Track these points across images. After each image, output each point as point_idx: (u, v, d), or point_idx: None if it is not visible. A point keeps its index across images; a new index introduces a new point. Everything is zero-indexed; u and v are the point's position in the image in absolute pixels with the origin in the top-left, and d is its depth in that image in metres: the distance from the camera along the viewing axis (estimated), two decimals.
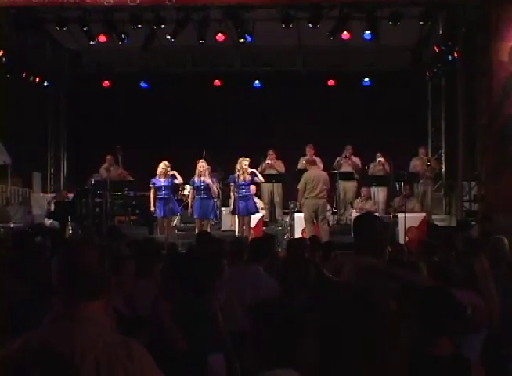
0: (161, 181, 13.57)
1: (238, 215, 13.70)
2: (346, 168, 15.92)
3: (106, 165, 16.02)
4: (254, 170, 13.84)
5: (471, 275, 5.12)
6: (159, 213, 13.59)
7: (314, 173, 13.81)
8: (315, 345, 2.01)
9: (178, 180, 13.97)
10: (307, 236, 13.00)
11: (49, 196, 16.99)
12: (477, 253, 5.49)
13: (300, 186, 13.73)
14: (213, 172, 14.52)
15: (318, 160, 15.15)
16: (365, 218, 4.98)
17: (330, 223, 15.01)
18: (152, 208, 13.64)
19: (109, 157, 16.08)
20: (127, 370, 2.44)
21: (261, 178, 13.94)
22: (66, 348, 2.44)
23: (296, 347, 2.55)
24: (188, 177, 14.02)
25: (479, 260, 5.25)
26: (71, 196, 15.59)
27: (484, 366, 4.19)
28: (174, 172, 13.78)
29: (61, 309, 2.58)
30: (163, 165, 13.63)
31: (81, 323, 2.51)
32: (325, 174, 14.16)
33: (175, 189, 14.58)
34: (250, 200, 13.62)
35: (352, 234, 4.79)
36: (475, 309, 4.88)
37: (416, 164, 16.04)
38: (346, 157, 15.99)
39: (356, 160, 16.11)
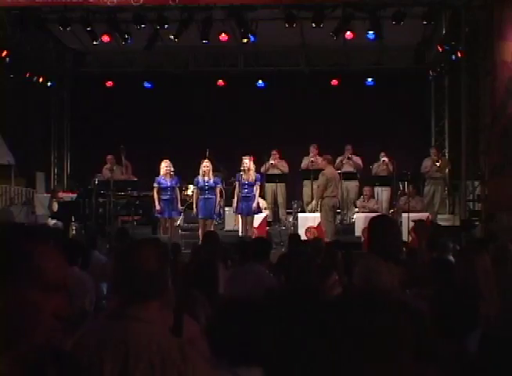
0: (167, 181, 13.58)
1: (240, 214, 13.77)
2: (347, 168, 15.92)
3: (108, 166, 16.02)
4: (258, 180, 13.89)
5: (472, 273, 5.10)
6: (162, 213, 13.62)
7: (332, 172, 13.86)
8: (332, 344, 2.00)
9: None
10: (327, 236, 12.99)
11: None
12: (479, 252, 5.47)
13: (320, 183, 13.75)
14: (215, 172, 14.53)
15: (320, 159, 15.13)
16: (379, 219, 5.00)
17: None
18: (157, 207, 13.57)
19: (109, 156, 16.09)
20: (180, 372, 2.44)
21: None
22: (120, 348, 2.44)
23: (259, 346, 2.58)
24: (191, 177, 14.04)
25: (481, 259, 5.23)
26: (74, 195, 15.61)
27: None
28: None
29: (117, 308, 2.59)
30: (165, 164, 13.62)
31: (136, 323, 2.51)
32: (337, 173, 14.27)
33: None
34: (251, 200, 13.60)
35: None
36: None
37: (427, 165, 15.99)
38: (348, 158, 15.98)
39: (357, 159, 16.10)
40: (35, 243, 1.65)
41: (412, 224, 13.38)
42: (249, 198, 13.58)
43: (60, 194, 15.91)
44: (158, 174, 13.67)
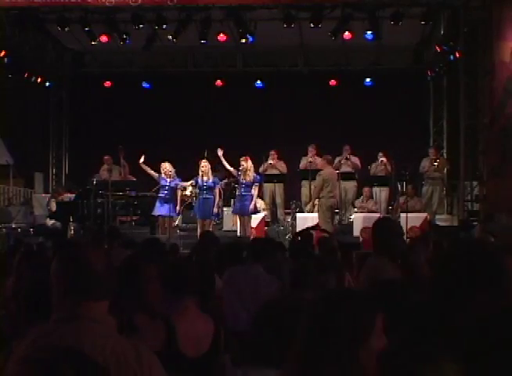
0: (167, 181, 13.65)
1: (236, 214, 13.81)
2: (346, 168, 15.90)
3: (106, 166, 16.02)
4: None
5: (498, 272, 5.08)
6: (159, 212, 13.67)
7: (331, 172, 13.83)
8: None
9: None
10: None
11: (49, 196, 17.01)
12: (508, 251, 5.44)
13: (317, 183, 13.71)
14: (214, 172, 14.52)
15: (319, 159, 15.12)
16: (384, 221, 5.11)
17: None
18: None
19: (106, 157, 16.09)
20: (136, 373, 2.42)
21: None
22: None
23: (286, 348, 2.57)
24: (190, 177, 14.05)
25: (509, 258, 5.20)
26: (72, 196, 15.60)
27: None
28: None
29: (66, 310, 2.54)
30: (163, 166, 13.72)
31: (88, 323, 2.48)
32: (336, 174, 14.27)
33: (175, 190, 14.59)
34: (246, 201, 13.57)
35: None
36: None
37: (425, 165, 15.97)
38: (346, 158, 15.97)
39: (355, 160, 16.08)
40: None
41: (410, 224, 13.42)
42: (244, 198, 13.57)
43: (63, 195, 15.91)
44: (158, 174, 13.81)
